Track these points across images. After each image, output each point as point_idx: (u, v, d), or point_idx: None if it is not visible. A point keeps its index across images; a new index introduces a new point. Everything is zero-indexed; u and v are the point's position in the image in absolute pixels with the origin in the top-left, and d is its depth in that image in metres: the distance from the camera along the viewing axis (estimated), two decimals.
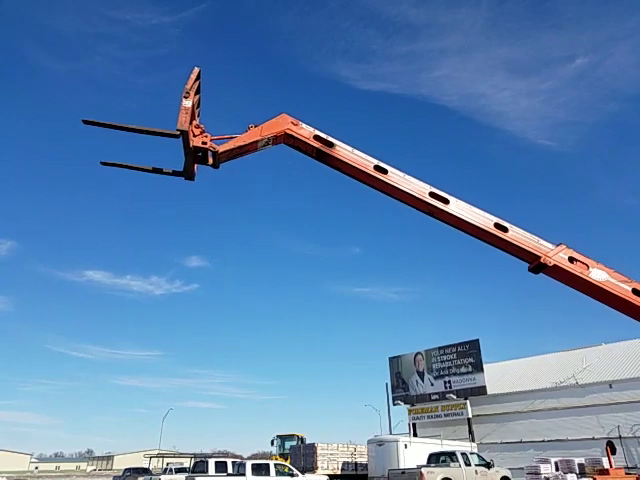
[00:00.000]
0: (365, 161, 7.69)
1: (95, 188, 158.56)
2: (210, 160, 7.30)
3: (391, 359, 35.80)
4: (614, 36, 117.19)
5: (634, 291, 7.21)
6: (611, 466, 6.77)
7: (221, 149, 7.23)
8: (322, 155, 7.70)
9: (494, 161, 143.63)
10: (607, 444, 7.04)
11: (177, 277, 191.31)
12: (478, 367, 29.74)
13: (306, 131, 7.71)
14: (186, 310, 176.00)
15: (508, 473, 19.57)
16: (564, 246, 7.59)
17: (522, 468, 24.25)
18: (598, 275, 7.38)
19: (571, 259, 7.45)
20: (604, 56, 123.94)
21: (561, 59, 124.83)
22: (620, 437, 25.26)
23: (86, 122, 6.71)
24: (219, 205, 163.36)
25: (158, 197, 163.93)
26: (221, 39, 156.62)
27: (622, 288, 7.24)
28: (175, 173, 7.32)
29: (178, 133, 6.72)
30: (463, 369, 30.44)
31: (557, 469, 25.09)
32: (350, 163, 7.65)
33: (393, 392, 35.03)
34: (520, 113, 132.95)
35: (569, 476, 24.44)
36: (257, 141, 7.47)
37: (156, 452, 37.68)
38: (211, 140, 7.18)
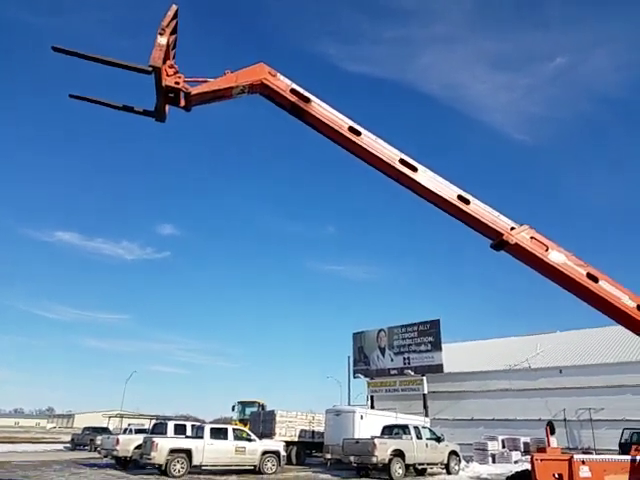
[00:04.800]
0: (340, 121, 7.63)
1: (65, 146, 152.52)
2: (182, 102, 7.16)
3: (355, 334, 36.45)
4: (595, 39, 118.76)
5: (588, 275, 7.43)
6: (549, 445, 7.06)
7: (194, 91, 7.09)
8: (297, 110, 7.59)
9: (470, 150, 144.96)
10: (547, 424, 7.33)
11: (149, 244, 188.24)
12: (437, 346, 30.60)
13: (283, 83, 7.57)
14: (157, 277, 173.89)
15: (457, 448, 20.34)
16: (527, 226, 7.73)
17: (471, 444, 25.40)
18: (556, 257, 7.56)
19: (533, 239, 7.61)
20: (584, 58, 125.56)
21: (542, 57, 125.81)
22: (565, 420, 26.64)
23: (56, 49, 6.43)
24: (194, 175, 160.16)
25: (131, 163, 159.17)
26: (208, 17, 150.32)
27: (577, 271, 7.45)
28: (146, 113, 7.18)
29: (150, 69, 6.52)
30: (422, 347, 31.27)
31: (503, 446, 26.43)
32: (324, 121, 7.58)
33: (354, 365, 35.81)
34: (498, 106, 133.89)
35: (514, 453, 25.76)
36: (232, 87, 7.33)
37: (116, 412, 37.59)
38: (185, 82, 7.04)
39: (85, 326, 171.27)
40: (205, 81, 7.31)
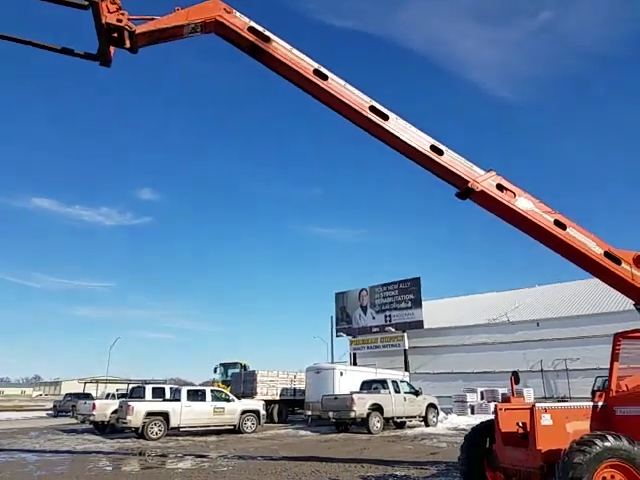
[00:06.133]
0: (305, 63, 7.06)
1: (42, 107, 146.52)
2: (127, 43, 6.57)
3: (337, 294, 36.63)
4: None
5: (556, 222, 7.13)
6: (513, 394, 6.98)
7: (139, 30, 6.51)
8: (257, 51, 7.01)
9: (454, 109, 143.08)
10: (512, 374, 7.23)
11: (128, 209, 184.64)
12: (417, 303, 30.89)
13: (240, 21, 6.95)
14: (138, 243, 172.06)
15: (434, 400, 20.74)
16: (493, 173, 7.35)
17: (451, 397, 26.00)
18: (523, 204, 7.24)
19: (499, 186, 7.26)
20: (568, 12, 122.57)
21: (527, 12, 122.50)
22: (542, 370, 27.38)
23: None
24: (172, 136, 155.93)
25: (103, 125, 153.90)
26: None
27: (545, 219, 7.15)
28: (88, 56, 6.61)
29: (87, 3, 5.96)
30: (403, 304, 31.55)
31: (482, 398, 27.13)
32: (287, 63, 7.00)
33: (337, 325, 36.16)
34: (482, 63, 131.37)
35: (492, 404, 26.48)
36: (182, 26, 6.73)
37: (105, 379, 37.62)
38: (129, 19, 6.43)
39: (69, 294, 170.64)
40: (152, 19, 6.69)
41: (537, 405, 5.91)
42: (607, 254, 7.11)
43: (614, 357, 6.71)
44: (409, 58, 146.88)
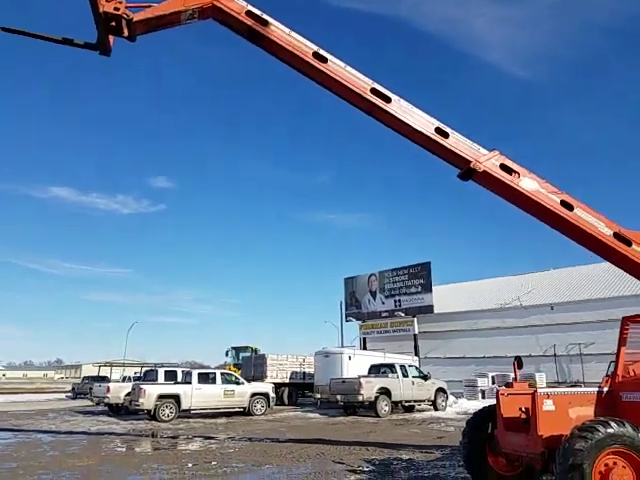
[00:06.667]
0: (303, 46, 6.94)
1: (58, 100, 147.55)
2: (125, 31, 6.64)
3: (346, 279, 36.52)
4: None
5: (562, 203, 6.88)
6: (516, 379, 6.85)
7: (136, 17, 6.54)
8: (255, 35, 6.94)
9: (466, 88, 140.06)
10: (515, 359, 7.08)
11: (144, 197, 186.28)
12: (427, 288, 30.62)
13: (237, 5, 6.88)
14: (154, 230, 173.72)
15: (444, 385, 20.69)
16: (497, 152, 7.11)
17: (462, 381, 25.92)
18: (528, 184, 6.99)
19: (503, 166, 7.02)
20: None
21: None
22: (555, 355, 27.06)
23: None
24: (186, 127, 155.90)
25: (119, 118, 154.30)
26: None
27: (551, 199, 6.90)
28: (88, 45, 6.69)
29: None
30: (413, 289, 31.32)
31: (493, 382, 27.01)
32: (286, 47, 6.90)
33: (347, 309, 36.13)
34: (495, 41, 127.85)
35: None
36: (180, 12, 6.73)
37: (121, 362, 38.34)
38: (126, 7, 6.48)
39: (88, 281, 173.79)
40: (149, 6, 6.69)
41: (539, 390, 5.78)
42: (617, 235, 6.85)
43: (621, 341, 6.51)
44: (419, 39, 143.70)
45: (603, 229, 6.85)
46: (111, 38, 6.70)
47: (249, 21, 6.85)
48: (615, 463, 4.91)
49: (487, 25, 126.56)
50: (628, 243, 6.84)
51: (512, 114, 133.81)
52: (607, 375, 6.61)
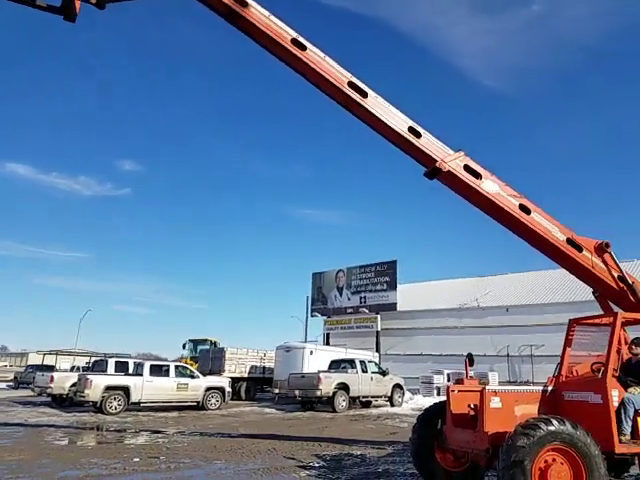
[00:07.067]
0: (282, 31, 6.79)
1: (18, 67, 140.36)
2: None
3: (314, 274, 36.64)
4: None
5: (521, 207, 7.05)
6: (467, 377, 6.98)
7: None
8: (233, 15, 6.71)
9: (443, 95, 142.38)
10: (466, 356, 7.22)
11: (108, 180, 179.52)
12: (392, 286, 31.09)
13: None
14: (117, 214, 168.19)
15: (401, 381, 20.99)
16: (462, 153, 7.20)
17: (419, 377, 26.43)
18: (490, 187, 7.12)
19: (467, 167, 7.12)
20: (561, 4, 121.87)
21: (520, 2, 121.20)
22: (508, 355, 27.99)
23: None
24: (154, 108, 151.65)
25: (87, 98, 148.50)
26: None
27: (510, 202, 7.06)
28: (51, 8, 6.24)
29: None
30: (379, 287, 31.74)
31: (449, 380, 27.66)
32: (264, 30, 6.73)
33: (313, 305, 36.23)
34: (474, 51, 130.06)
35: None
36: None
37: (69, 351, 37.06)
38: None
39: (41, 264, 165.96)
40: None
41: (487, 387, 5.89)
42: (569, 241, 7.08)
43: (567, 342, 6.74)
44: (400, 41, 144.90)
45: (557, 234, 7.06)
46: (77, 3, 6.31)
47: (228, 0, 6.64)
48: (554, 459, 5.06)
49: (467, 35, 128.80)
50: (579, 249, 7.07)
51: (482, 123, 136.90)
52: (553, 375, 6.80)
